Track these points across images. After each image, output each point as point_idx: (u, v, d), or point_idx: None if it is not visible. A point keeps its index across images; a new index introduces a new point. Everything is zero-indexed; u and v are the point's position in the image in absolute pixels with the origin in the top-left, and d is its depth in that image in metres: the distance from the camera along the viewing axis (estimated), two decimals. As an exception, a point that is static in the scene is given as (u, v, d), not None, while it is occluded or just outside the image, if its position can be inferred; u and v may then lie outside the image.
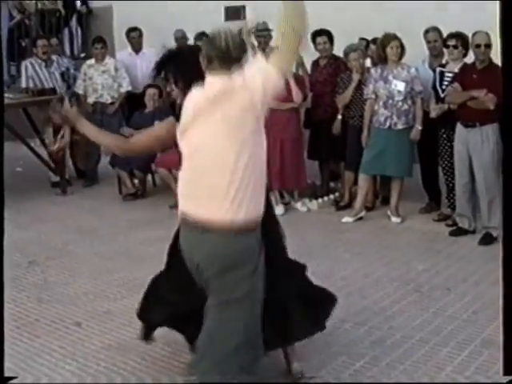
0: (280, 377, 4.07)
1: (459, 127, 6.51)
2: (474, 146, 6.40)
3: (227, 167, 3.26)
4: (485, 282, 5.54)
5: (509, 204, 3.06)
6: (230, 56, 3.32)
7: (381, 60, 7.01)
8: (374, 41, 7.44)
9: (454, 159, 6.63)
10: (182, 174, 3.45)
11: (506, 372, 3.13)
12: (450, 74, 6.71)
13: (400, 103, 6.94)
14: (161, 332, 4.16)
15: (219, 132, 3.26)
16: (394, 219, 7.18)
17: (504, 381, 3.25)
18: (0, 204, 3.25)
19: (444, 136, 6.84)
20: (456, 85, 6.48)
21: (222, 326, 3.40)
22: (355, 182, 7.49)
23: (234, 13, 10.51)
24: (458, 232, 6.68)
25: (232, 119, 3.25)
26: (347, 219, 7.20)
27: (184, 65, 3.61)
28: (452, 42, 6.69)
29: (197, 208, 3.35)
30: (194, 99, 3.37)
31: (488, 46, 6.27)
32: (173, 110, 3.71)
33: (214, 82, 3.32)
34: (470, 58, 6.63)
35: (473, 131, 6.38)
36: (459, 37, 6.68)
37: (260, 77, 3.20)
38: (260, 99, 3.23)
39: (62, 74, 8.93)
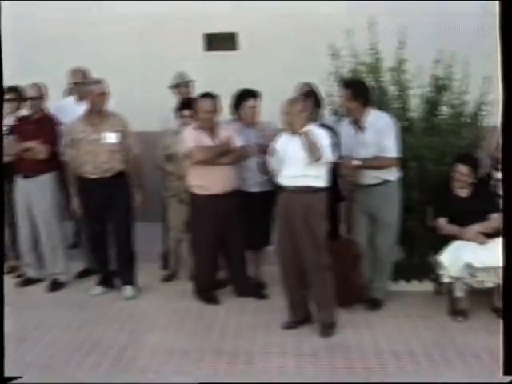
0: None
1: (18, 178, 6.50)
2: (33, 195, 6.43)
3: None
4: (57, 326, 5.62)
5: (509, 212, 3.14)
6: None
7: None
8: None
9: (16, 210, 6.57)
10: None
11: (506, 372, 3.18)
12: (5, 127, 6.61)
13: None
14: None
15: None
16: None
17: (505, 381, 3.35)
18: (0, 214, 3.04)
19: (6, 188, 6.64)
20: (12, 137, 6.45)
21: None
22: None
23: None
24: (27, 282, 6.66)
25: None
26: None
27: None
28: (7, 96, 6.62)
29: None
30: None
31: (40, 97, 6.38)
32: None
33: None
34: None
35: (31, 181, 6.43)
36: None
37: None
38: None
39: None
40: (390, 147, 5.51)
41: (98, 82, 6.12)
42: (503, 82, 3.37)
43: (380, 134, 5.50)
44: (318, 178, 5.20)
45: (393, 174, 5.70)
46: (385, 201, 5.69)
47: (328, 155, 5.16)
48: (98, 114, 6.08)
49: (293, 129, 5.20)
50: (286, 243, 5.33)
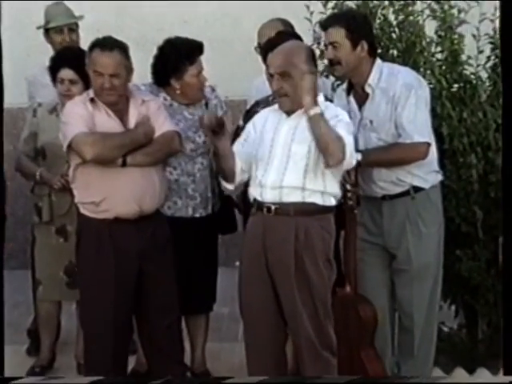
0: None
1: None
2: None
3: None
4: None
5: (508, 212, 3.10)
6: None
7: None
8: None
9: None
10: None
11: (506, 372, 3.34)
12: None
13: None
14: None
15: None
16: None
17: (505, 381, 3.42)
18: (1, 210, 3.46)
19: None
20: None
21: None
22: None
23: None
24: None
25: None
26: None
27: None
28: None
29: None
30: None
31: None
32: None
33: None
34: None
35: None
36: None
37: None
38: None
39: None
40: (412, 127, 3.79)
41: None
42: (504, 83, 3.18)
43: (394, 104, 3.82)
44: (322, 193, 3.49)
45: (427, 178, 3.90)
46: (413, 226, 3.93)
47: (352, 155, 3.49)
48: None
49: (293, 103, 3.47)
50: (258, 305, 3.66)
